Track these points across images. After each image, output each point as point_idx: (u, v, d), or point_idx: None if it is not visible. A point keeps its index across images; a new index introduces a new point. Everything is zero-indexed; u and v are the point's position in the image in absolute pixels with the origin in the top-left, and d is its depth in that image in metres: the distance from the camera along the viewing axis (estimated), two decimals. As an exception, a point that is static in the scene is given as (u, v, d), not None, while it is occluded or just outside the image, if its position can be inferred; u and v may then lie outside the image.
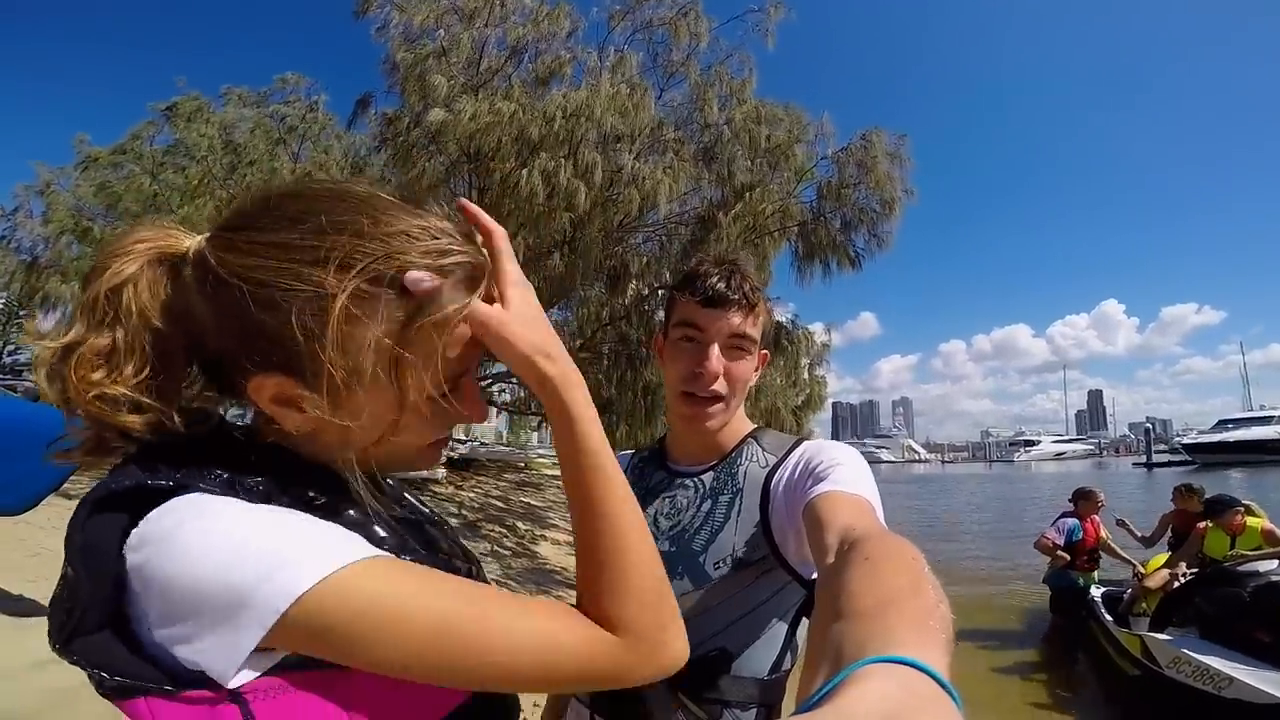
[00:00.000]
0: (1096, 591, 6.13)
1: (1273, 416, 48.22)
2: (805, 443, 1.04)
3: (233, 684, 0.43)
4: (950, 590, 0.47)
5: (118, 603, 0.46)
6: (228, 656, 0.43)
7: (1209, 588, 4.55)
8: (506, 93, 7.21)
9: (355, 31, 8.07)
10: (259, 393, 0.52)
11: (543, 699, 1.24)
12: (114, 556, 0.46)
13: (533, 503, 14.87)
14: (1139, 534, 6.51)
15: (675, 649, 0.57)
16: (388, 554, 0.50)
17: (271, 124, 9.56)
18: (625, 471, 1.07)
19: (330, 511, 0.53)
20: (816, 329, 9.89)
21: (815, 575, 0.93)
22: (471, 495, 13.52)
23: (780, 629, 0.97)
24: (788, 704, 0.97)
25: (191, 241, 0.55)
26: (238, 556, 0.44)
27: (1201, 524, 5.28)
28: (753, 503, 0.99)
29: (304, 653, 0.46)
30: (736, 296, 0.99)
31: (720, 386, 1.00)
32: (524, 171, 6.23)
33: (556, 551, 9.10)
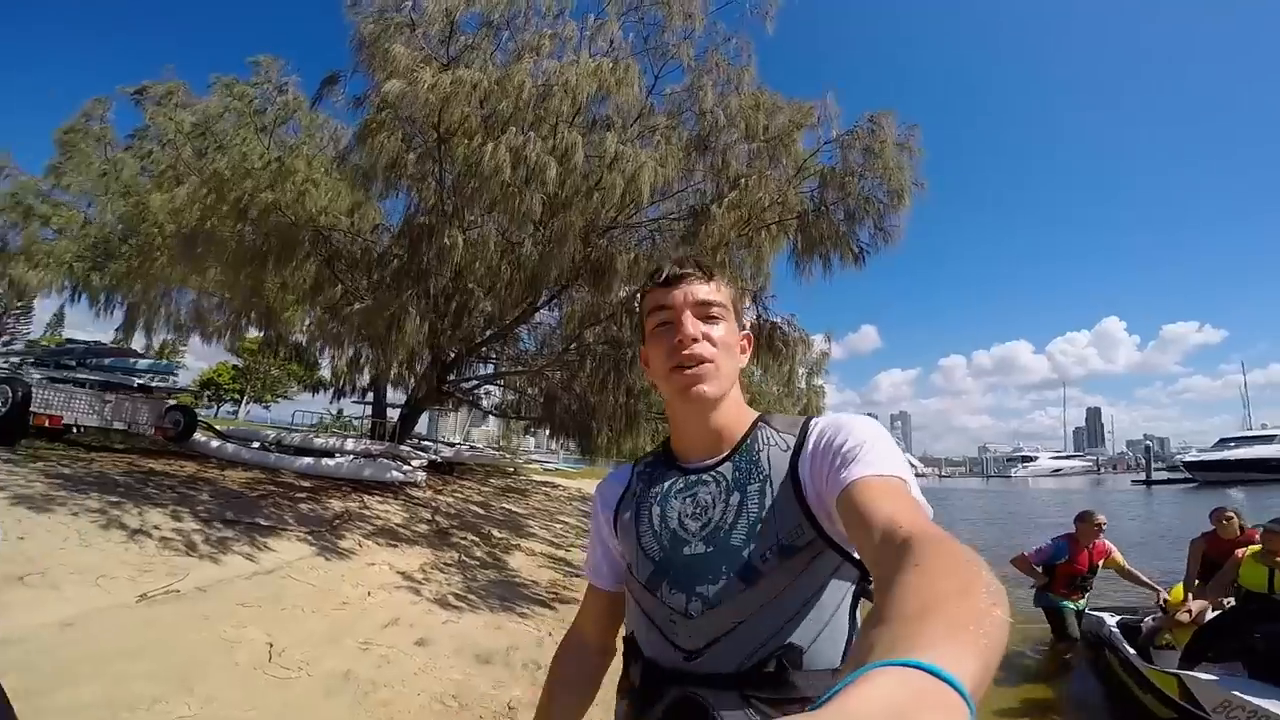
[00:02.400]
0: (1111, 620, 5.61)
1: (1275, 435, 47.86)
2: (816, 419, 1.00)
3: None
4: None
5: None
6: None
7: (1256, 621, 4.03)
8: (481, 67, 6.64)
9: (333, 15, 7.60)
10: None
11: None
12: None
13: (514, 509, 14.30)
14: (1155, 586, 5.86)
15: None
16: None
17: (243, 107, 9.07)
18: (630, 481, 1.12)
19: None
20: (816, 338, 9.33)
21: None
22: (450, 500, 12.94)
23: (843, 614, 0.91)
24: None
25: None
26: None
27: (1240, 550, 4.72)
28: (785, 487, 0.94)
29: None
30: (691, 270, 1.02)
31: (703, 349, 0.98)
32: (489, 145, 5.63)
33: (528, 563, 8.52)
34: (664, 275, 1.02)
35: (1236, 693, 3.60)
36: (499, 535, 10.08)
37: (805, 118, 7.50)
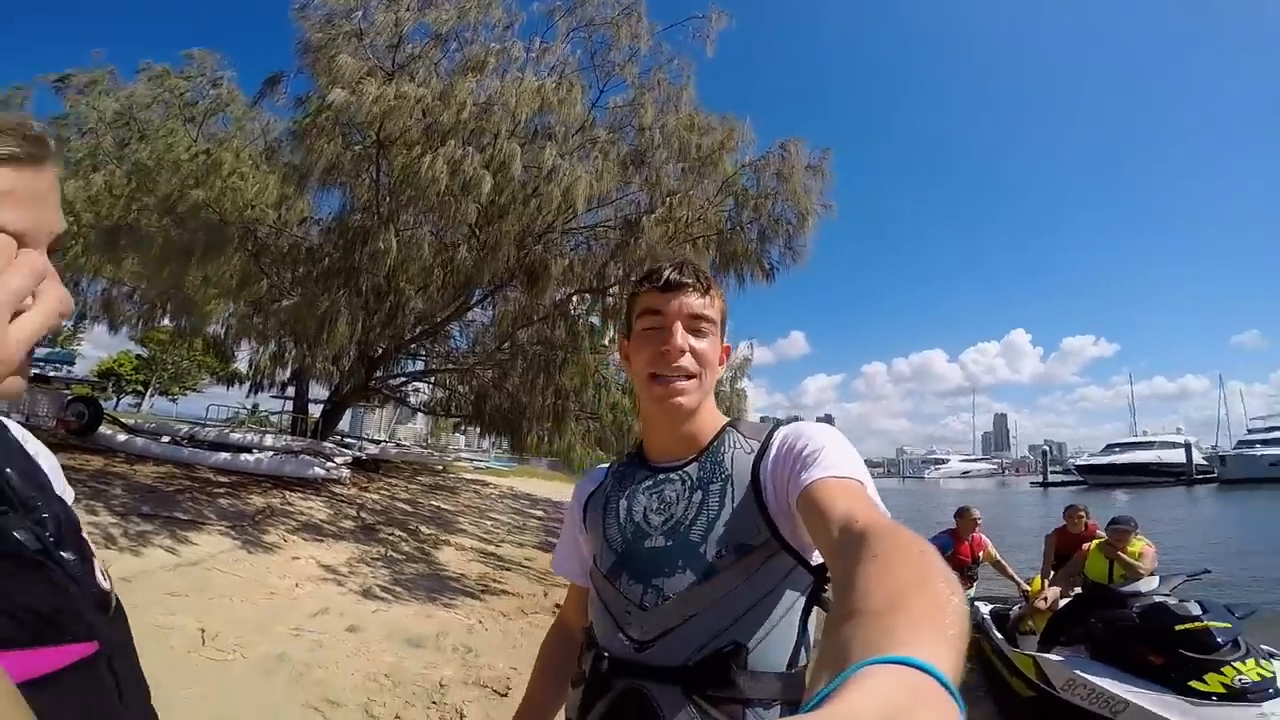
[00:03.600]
0: (985, 608, 6.26)
1: (1154, 442, 52.77)
2: (782, 427, 1.04)
3: None
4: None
5: None
6: None
7: (1098, 608, 4.60)
8: (425, 80, 6.84)
9: (279, 17, 7.54)
10: None
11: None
12: None
13: (443, 506, 14.28)
14: (1017, 578, 6.56)
15: None
16: None
17: (171, 97, 8.80)
18: (604, 479, 1.16)
19: None
20: (742, 345, 9.87)
21: (818, 560, 0.95)
22: (376, 498, 12.83)
23: (794, 618, 0.93)
24: None
25: None
26: None
27: (1085, 545, 5.44)
28: (745, 488, 0.97)
29: None
30: (691, 280, 1.03)
31: (688, 362, 1.00)
32: (428, 157, 5.84)
33: (459, 558, 8.69)
34: (663, 279, 1.03)
35: (1078, 672, 4.14)
36: (427, 531, 10.15)
37: (731, 140, 8.02)
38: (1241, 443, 48.66)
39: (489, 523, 13.81)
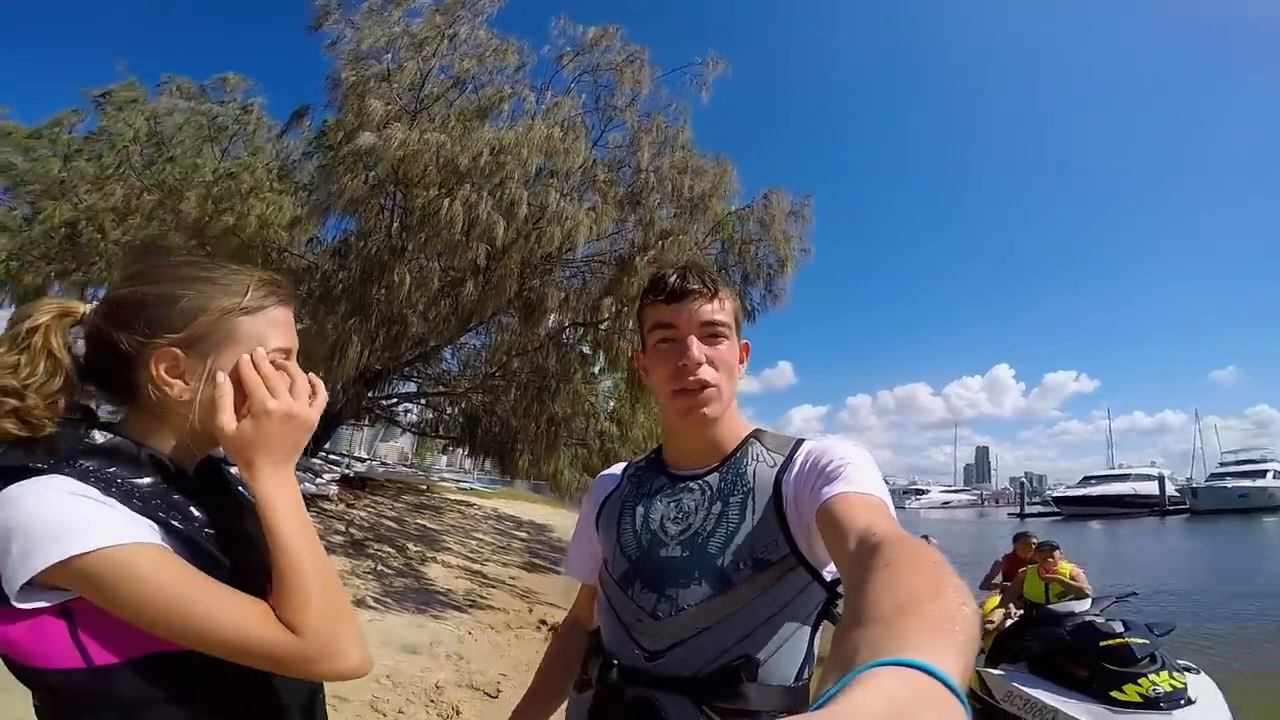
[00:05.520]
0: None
1: (1129, 475, 53.55)
2: (806, 442, 1.03)
3: (18, 604, 0.66)
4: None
5: None
6: (9, 583, 0.65)
7: (1035, 627, 5.01)
8: (443, 121, 7.36)
9: (307, 45, 8.07)
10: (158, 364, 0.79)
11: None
12: None
13: (429, 525, 14.50)
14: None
15: (350, 657, 0.75)
16: (161, 544, 0.71)
17: (204, 120, 9.28)
18: (621, 482, 1.15)
19: (148, 499, 0.74)
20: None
21: (832, 574, 0.95)
22: (363, 514, 13.06)
23: (804, 633, 0.93)
24: None
25: (86, 307, 0.83)
26: (43, 522, 0.67)
27: (1023, 569, 5.97)
28: (766, 502, 0.96)
29: (85, 596, 0.67)
30: (698, 286, 1.01)
31: (706, 374, 0.99)
32: (446, 201, 6.36)
33: (446, 574, 8.99)
34: (671, 287, 1.01)
35: (1016, 685, 4.49)
36: (415, 548, 10.42)
37: (720, 185, 8.60)
38: (1213, 475, 49.65)
39: (474, 542, 14.06)
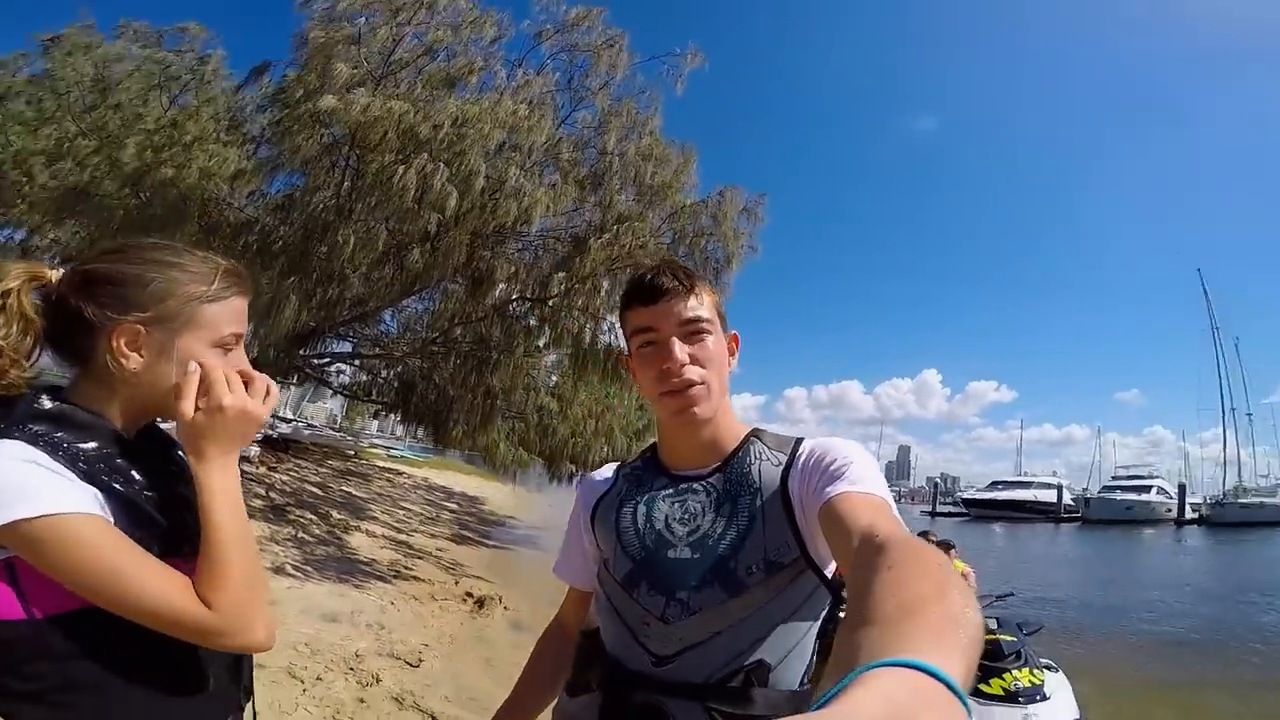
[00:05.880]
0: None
1: (1031, 482, 57.25)
2: (806, 440, 1.02)
3: None
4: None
5: None
6: None
7: None
8: (409, 88, 7.13)
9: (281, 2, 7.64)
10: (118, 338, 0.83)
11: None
12: None
13: (355, 493, 14.20)
14: None
15: (256, 634, 0.81)
16: (103, 514, 0.76)
17: (156, 69, 8.66)
18: (614, 482, 1.12)
19: (92, 462, 0.79)
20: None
21: (834, 572, 0.95)
22: (286, 479, 12.67)
23: (811, 637, 0.93)
24: None
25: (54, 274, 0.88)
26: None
27: None
28: (776, 503, 0.95)
29: (24, 557, 0.72)
30: (673, 285, 0.99)
31: (692, 373, 0.97)
32: (401, 168, 6.17)
33: (370, 544, 8.86)
34: (646, 289, 1.00)
35: None
36: (338, 516, 10.21)
37: (680, 177, 8.63)
38: (1105, 488, 53.48)
39: (401, 512, 13.86)
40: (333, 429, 27.03)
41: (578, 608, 1.18)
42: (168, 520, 0.83)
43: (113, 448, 0.82)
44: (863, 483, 0.86)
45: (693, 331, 0.99)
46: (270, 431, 17.00)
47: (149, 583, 0.75)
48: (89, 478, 0.77)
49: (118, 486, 0.80)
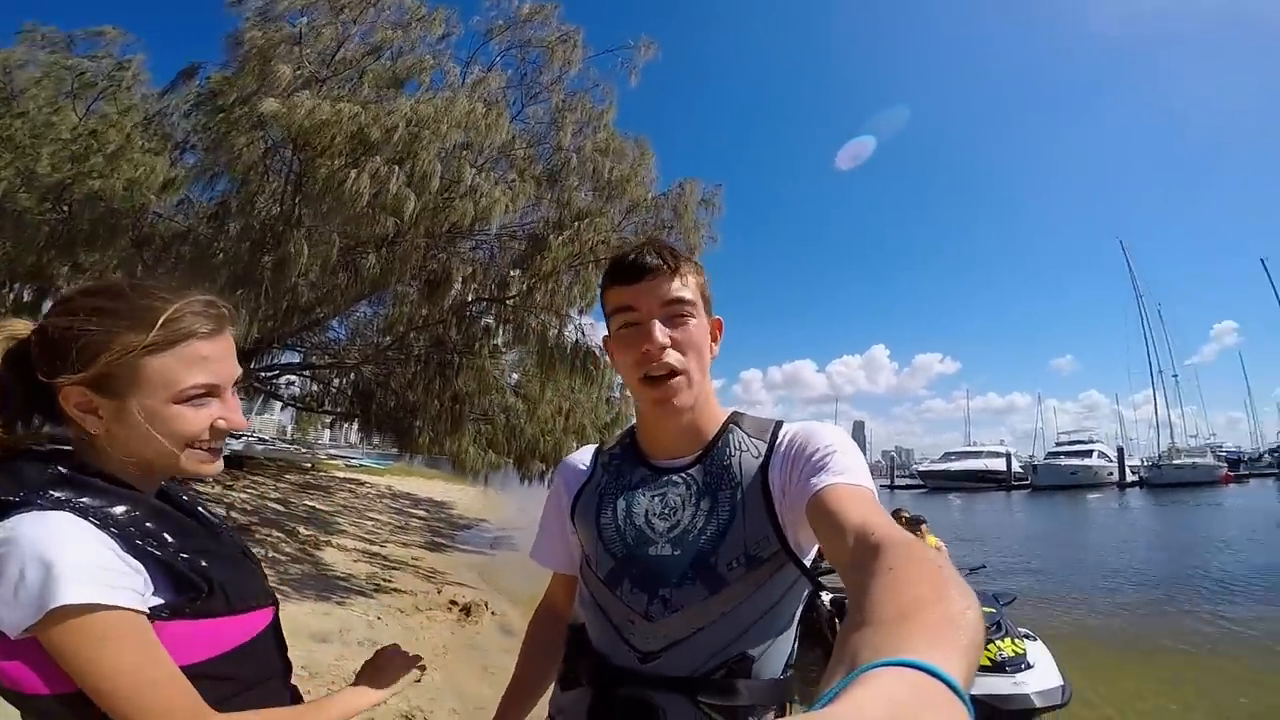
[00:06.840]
0: (827, 598, 7.25)
1: (981, 452, 59.33)
2: (785, 425, 1.01)
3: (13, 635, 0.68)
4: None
5: None
6: (20, 611, 0.67)
7: None
8: (353, 89, 6.88)
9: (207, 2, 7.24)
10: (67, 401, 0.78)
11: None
12: None
13: (319, 506, 13.79)
14: None
15: None
16: (134, 610, 0.72)
17: (67, 75, 8.08)
18: (593, 471, 1.10)
19: (124, 527, 0.75)
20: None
21: (813, 560, 0.96)
22: (244, 496, 12.21)
23: (792, 625, 0.94)
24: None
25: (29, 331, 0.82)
26: (35, 570, 0.68)
27: None
28: (755, 496, 0.94)
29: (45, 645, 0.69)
30: (657, 263, 0.95)
31: (672, 359, 0.95)
32: (353, 172, 5.95)
33: (344, 558, 8.64)
34: (629, 268, 0.97)
35: None
36: (306, 532, 9.92)
37: (638, 171, 8.58)
38: (1049, 454, 55.83)
39: (369, 523, 13.55)
40: (284, 441, 26.13)
41: (564, 589, 1.17)
42: (205, 583, 0.80)
43: (139, 510, 0.78)
44: (850, 473, 0.85)
45: (676, 314, 0.96)
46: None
47: (156, 704, 0.71)
48: (124, 543, 0.74)
49: (154, 551, 0.76)
